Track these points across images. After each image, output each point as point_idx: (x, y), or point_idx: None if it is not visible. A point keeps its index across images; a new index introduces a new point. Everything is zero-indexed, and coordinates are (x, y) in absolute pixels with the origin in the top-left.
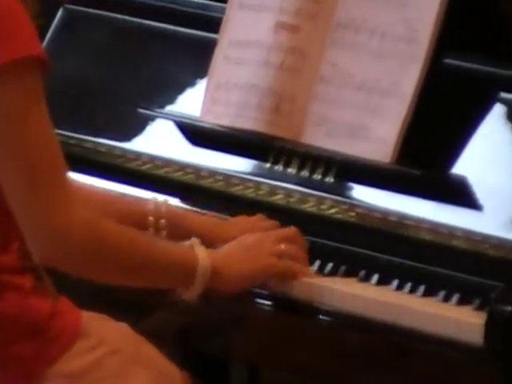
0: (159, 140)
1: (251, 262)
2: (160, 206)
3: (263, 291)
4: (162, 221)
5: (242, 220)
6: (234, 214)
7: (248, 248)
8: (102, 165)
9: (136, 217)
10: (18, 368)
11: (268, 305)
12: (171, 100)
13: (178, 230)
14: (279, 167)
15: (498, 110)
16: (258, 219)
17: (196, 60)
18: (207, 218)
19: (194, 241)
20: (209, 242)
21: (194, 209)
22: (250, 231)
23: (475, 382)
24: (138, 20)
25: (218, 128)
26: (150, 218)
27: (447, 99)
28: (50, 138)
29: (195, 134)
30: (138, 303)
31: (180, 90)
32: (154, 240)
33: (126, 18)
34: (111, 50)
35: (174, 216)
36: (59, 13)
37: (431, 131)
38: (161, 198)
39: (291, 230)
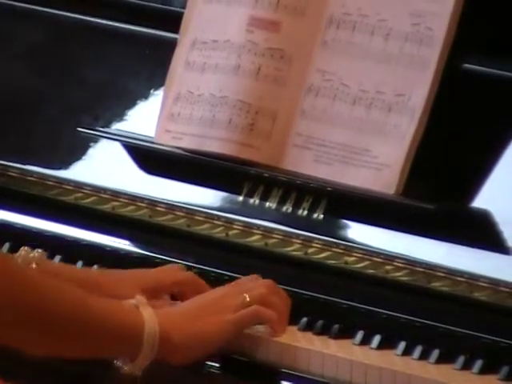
0: (104, 167)
1: (206, 321)
2: (31, 251)
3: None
4: (33, 265)
5: (144, 273)
6: (198, 259)
7: (205, 305)
8: (32, 198)
9: None
10: None
11: (235, 375)
12: (119, 116)
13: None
14: (255, 200)
15: None
16: (175, 269)
17: (150, 65)
18: (94, 272)
19: (140, 300)
20: None
21: (148, 253)
22: (154, 288)
23: None
24: (78, 16)
25: (178, 152)
26: (18, 261)
27: (466, 115)
28: None
29: (149, 159)
30: (79, 375)
31: (130, 103)
32: (89, 295)
33: (63, 13)
34: (44, 52)
35: (50, 265)
36: None
37: (446, 155)
38: (101, 238)
39: (265, 282)
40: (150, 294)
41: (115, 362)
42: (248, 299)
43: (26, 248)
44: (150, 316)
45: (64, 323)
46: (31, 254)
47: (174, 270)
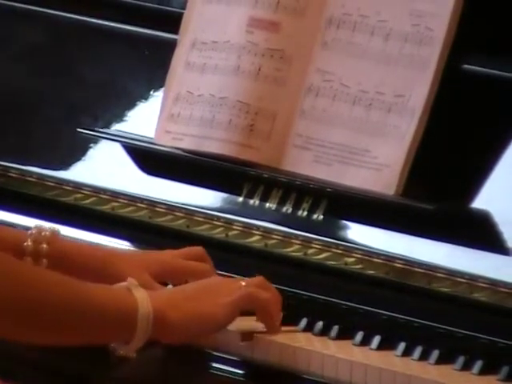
0: (104, 167)
1: (202, 302)
2: (43, 229)
3: (223, 355)
4: (44, 245)
5: (154, 256)
6: None
7: (201, 288)
8: (32, 198)
9: (10, 244)
10: None
11: (229, 374)
12: (119, 117)
13: (62, 260)
14: (255, 201)
15: None
16: (184, 253)
17: (150, 66)
18: (103, 251)
19: (132, 282)
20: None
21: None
22: (161, 273)
23: None
24: (78, 17)
25: (178, 152)
26: (29, 243)
27: (466, 115)
28: None
29: (149, 159)
30: (78, 375)
31: (130, 104)
32: (80, 282)
33: (63, 13)
34: (44, 53)
35: (60, 244)
36: None
37: (446, 155)
38: (100, 239)
39: (257, 279)
40: (157, 277)
41: (110, 345)
42: (244, 284)
43: (37, 226)
44: (142, 297)
45: (60, 317)
46: (43, 233)
47: (192, 254)
